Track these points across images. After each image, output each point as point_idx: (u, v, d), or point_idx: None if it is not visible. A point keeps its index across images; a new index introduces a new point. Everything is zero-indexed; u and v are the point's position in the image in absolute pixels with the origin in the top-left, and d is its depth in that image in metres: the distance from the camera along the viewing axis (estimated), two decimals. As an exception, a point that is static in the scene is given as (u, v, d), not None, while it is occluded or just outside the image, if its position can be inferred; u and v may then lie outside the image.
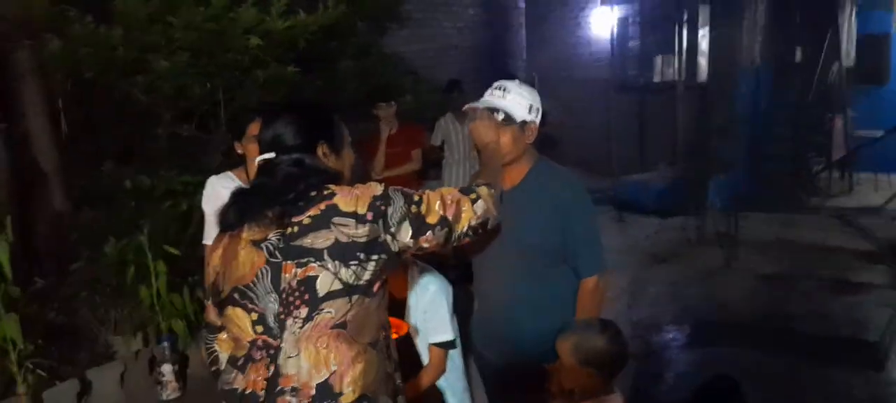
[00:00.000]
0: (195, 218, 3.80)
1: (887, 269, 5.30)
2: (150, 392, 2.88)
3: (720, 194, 7.52)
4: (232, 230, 1.51)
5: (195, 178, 3.76)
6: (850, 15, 8.74)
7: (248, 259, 1.44)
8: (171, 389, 2.81)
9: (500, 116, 2.02)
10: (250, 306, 1.44)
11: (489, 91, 2.09)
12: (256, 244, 1.44)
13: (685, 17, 8.09)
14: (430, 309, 2.35)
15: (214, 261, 1.56)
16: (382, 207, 1.44)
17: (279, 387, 1.38)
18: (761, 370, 3.61)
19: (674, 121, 8.41)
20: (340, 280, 1.39)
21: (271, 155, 1.52)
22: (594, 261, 2.09)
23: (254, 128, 2.52)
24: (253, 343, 1.44)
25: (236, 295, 1.46)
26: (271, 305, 1.41)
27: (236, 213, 1.48)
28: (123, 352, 3.20)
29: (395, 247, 1.47)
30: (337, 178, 1.53)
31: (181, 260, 3.58)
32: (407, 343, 2.33)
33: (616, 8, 9.21)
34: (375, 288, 1.46)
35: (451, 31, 7.83)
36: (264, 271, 1.42)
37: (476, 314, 2.40)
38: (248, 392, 1.42)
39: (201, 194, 3.69)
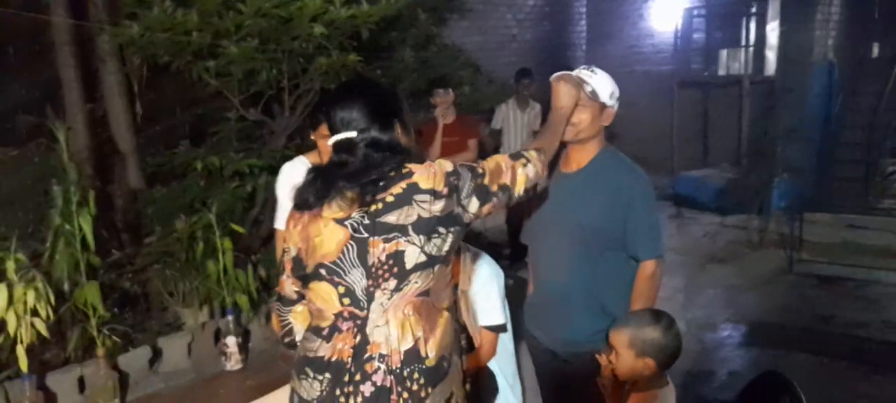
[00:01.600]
0: (259, 199, 3.97)
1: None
2: (215, 361, 3.05)
3: (785, 196, 7.27)
4: (310, 209, 1.55)
5: (260, 161, 3.92)
6: (934, 10, 8.25)
7: (333, 236, 1.51)
8: (234, 360, 2.97)
9: (589, 89, 2.07)
10: (337, 280, 1.51)
11: (579, 69, 2.14)
12: (339, 222, 1.50)
13: (753, 10, 7.81)
14: (483, 292, 2.39)
15: (294, 239, 1.60)
16: (455, 182, 1.53)
17: (368, 354, 1.47)
18: (819, 376, 3.51)
19: (739, 117, 8.16)
20: (425, 253, 1.48)
21: (351, 134, 1.55)
22: (654, 246, 2.11)
23: (326, 128, 2.61)
24: (339, 314, 1.51)
25: (322, 271, 1.52)
26: (359, 279, 1.49)
27: (316, 192, 1.52)
28: (191, 323, 3.38)
29: (466, 218, 1.55)
30: (411, 156, 1.58)
31: (245, 239, 3.74)
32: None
33: None
34: (451, 257, 1.55)
35: (512, 23, 7.81)
36: (350, 247, 1.48)
37: (530, 297, 2.44)
38: (334, 359, 1.49)
39: (266, 176, 3.85)
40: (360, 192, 1.48)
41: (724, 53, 8.32)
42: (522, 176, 1.64)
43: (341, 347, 1.49)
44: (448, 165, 1.56)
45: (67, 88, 3.91)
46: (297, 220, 1.60)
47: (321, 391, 1.49)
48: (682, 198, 7.52)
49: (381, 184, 1.49)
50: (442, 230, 1.50)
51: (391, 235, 1.47)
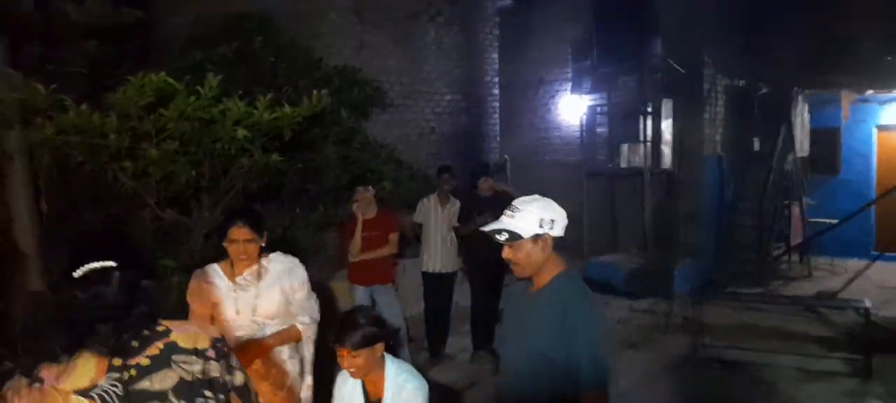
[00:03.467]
0: (171, 300, 3.83)
1: (845, 357, 5.49)
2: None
3: (686, 279, 7.77)
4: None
5: (174, 262, 3.81)
6: (802, 110, 9.30)
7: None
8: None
9: (502, 237, 2.19)
10: None
11: (506, 211, 2.25)
12: (83, 393, 1.31)
13: (649, 109, 8.51)
14: (409, 406, 2.42)
15: None
16: (225, 349, 1.47)
17: None
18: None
19: (642, 205, 8.71)
20: None
21: (110, 263, 1.39)
22: (596, 378, 2.13)
23: (235, 232, 2.66)
24: None
25: None
26: None
27: (61, 346, 1.29)
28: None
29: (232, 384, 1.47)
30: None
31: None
32: None
33: (585, 96, 9.66)
34: None
35: (430, 116, 8.11)
36: None
37: (501, 377, 2.48)
38: None
39: (179, 275, 3.74)
40: (112, 347, 1.30)
41: (625, 147, 8.93)
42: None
43: None
44: (215, 332, 1.51)
45: (-34, 187, 3.70)
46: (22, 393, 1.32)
47: None
48: (595, 283, 7.84)
49: (134, 344, 1.34)
50: (209, 394, 1.39)
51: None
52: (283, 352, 2.81)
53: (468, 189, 5.60)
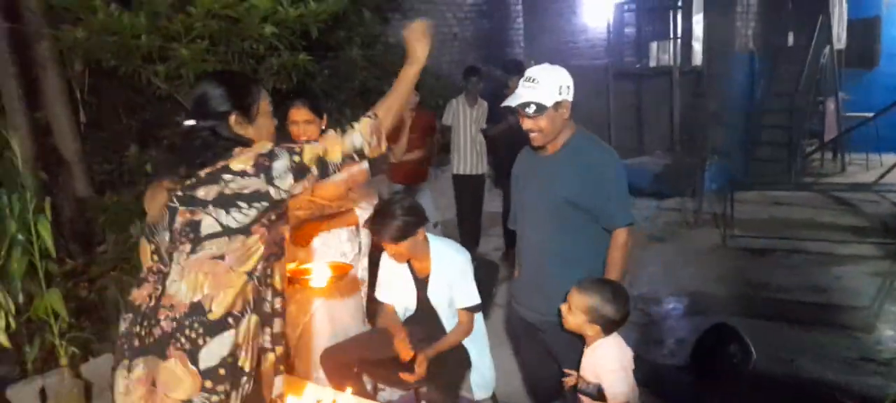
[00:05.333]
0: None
1: (878, 242, 5.49)
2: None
3: (716, 178, 7.71)
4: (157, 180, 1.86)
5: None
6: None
7: (158, 202, 1.81)
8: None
9: (531, 109, 2.22)
10: (151, 240, 1.80)
11: (522, 83, 2.29)
12: (170, 192, 1.78)
13: (679, 3, 8.23)
14: (460, 279, 2.54)
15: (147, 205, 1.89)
16: (266, 162, 1.72)
17: (161, 304, 1.71)
18: (757, 334, 3.79)
19: (670, 106, 8.58)
20: (221, 224, 1.71)
21: (192, 122, 1.78)
22: (625, 214, 2.29)
23: (295, 113, 2.69)
24: (150, 269, 1.79)
25: (147, 231, 1.83)
26: (165, 241, 1.76)
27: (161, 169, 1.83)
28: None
29: (275, 195, 1.73)
30: (247, 144, 1.79)
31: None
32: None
33: (612, -5, 9.36)
34: (254, 229, 1.74)
35: (452, 22, 7.96)
36: (165, 213, 1.77)
37: (516, 278, 2.58)
38: (138, 304, 1.75)
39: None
40: (185, 173, 1.75)
41: (654, 45, 8.72)
42: (338, 145, 1.81)
43: (146, 294, 1.75)
44: (264, 147, 1.76)
45: (7, 97, 3.79)
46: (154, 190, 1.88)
47: (126, 328, 1.76)
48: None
49: (200, 162, 1.73)
50: (243, 205, 1.70)
51: (194, 206, 1.72)
52: (342, 234, 2.86)
53: (494, 91, 5.56)
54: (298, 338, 2.87)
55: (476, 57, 8.13)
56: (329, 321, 2.84)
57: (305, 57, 4.06)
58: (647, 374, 2.18)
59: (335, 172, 1.84)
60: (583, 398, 2.17)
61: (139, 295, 1.76)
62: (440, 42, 7.80)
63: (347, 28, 5.04)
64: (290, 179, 1.74)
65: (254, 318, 1.76)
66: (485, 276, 2.74)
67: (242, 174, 1.70)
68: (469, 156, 5.46)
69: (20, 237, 2.76)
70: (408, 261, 2.66)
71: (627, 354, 2.12)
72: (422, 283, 2.65)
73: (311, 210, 2.77)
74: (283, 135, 2.89)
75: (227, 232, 1.71)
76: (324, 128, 2.82)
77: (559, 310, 2.19)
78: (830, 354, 3.65)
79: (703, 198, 6.79)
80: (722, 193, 6.43)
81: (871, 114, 8.32)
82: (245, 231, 1.72)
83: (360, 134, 1.83)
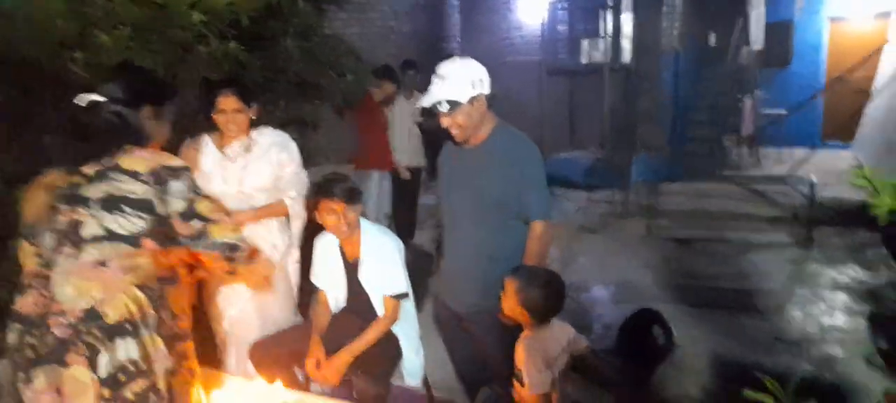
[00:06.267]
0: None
1: (790, 230, 5.85)
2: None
3: (643, 172, 8.02)
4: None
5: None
6: (759, 3, 9.41)
7: (40, 203, 1.69)
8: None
9: (445, 108, 2.22)
10: (31, 242, 1.70)
11: (433, 79, 2.28)
12: (52, 190, 1.68)
13: (609, 2, 8.49)
14: (387, 263, 2.54)
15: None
16: (166, 176, 1.66)
17: (51, 311, 1.62)
18: (682, 320, 3.98)
19: (601, 102, 8.84)
20: (103, 227, 1.62)
21: (97, 98, 1.69)
22: (542, 207, 2.34)
23: (223, 102, 2.63)
24: (32, 273, 1.69)
25: (27, 232, 1.71)
26: (49, 243, 1.67)
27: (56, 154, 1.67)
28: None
29: (162, 211, 1.67)
30: (144, 141, 1.73)
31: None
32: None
33: (545, -7, 9.55)
34: (143, 241, 1.66)
35: (389, 15, 7.95)
36: (47, 213, 1.67)
37: (441, 269, 2.61)
38: (24, 313, 1.65)
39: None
40: (82, 156, 1.65)
41: (585, 43, 8.94)
42: (229, 230, 1.75)
43: (32, 302, 1.65)
44: (173, 162, 1.69)
45: None
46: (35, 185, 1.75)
47: (15, 340, 1.65)
48: (554, 178, 8.01)
49: (100, 146, 1.66)
50: (128, 210, 1.63)
51: (77, 206, 1.63)
52: (273, 224, 2.82)
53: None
54: (227, 332, 2.82)
55: (414, 51, 8.14)
56: (258, 313, 2.80)
57: (235, 45, 3.96)
58: (575, 359, 2.24)
59: (206, 249, 1.75)
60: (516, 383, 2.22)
61: (24, 303, 1.66)
62: (378, 36, 7.77)
63: (282, 19, 4.94)
64: (180, 205, 1.68)
65: (158, 340, 1.69)
66: (419, 266, 2.77)
67: (134, 175, 1.63)
68: (405, 148, 5.47)
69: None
70: (339, 244, 2.65)
71: (556, 345, 2.17)
72: (352, 267, 2.65)
73: (239, 201, 2.73)
74: (211, 125, 2.83)
75: (111, 236, 1.63)
76: (253, 118, 2.77)
77: (492, 299, 2.23)
78: (749, 336, 3.88)
79: (630, 190, 7.04)
80: (649, 185, 6.70)
81: (784, 111, 8.83)
82: (132, 241, 1.65)
83: (243, 245, 1.80)
